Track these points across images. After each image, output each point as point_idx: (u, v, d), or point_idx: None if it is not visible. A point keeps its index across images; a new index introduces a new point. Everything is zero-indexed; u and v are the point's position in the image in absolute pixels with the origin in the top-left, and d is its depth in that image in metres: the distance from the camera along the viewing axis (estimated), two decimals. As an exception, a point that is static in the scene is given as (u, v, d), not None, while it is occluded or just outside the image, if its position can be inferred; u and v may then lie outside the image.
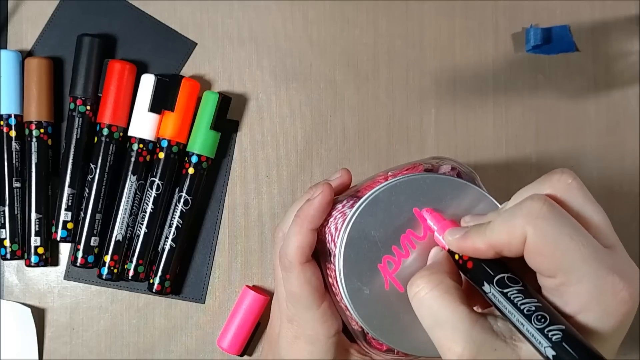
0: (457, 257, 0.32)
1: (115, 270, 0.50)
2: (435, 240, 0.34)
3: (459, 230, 0.32)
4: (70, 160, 0.50)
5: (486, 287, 0.30)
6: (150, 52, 0.53)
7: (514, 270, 0.30)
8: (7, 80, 0.50)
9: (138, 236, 0.50)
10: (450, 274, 0.31)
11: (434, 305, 0.30)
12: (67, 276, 0.52)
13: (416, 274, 0.31)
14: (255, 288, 0.52)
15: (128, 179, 0.50)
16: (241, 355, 0.52)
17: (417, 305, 0.31)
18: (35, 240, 0.50)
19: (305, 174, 0.53)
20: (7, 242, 0.50)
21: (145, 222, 0.50)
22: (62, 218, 0.50)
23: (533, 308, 0.27)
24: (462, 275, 0.33)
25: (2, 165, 0.50)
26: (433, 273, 0.31)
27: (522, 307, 0.28)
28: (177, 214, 0.50)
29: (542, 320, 0.27)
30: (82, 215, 0.50)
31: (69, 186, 0.50)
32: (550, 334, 0.26)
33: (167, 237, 0.50)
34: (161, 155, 0.50)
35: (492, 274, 0.30)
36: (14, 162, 0.50)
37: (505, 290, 0.29)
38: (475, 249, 0.30)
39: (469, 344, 0.28)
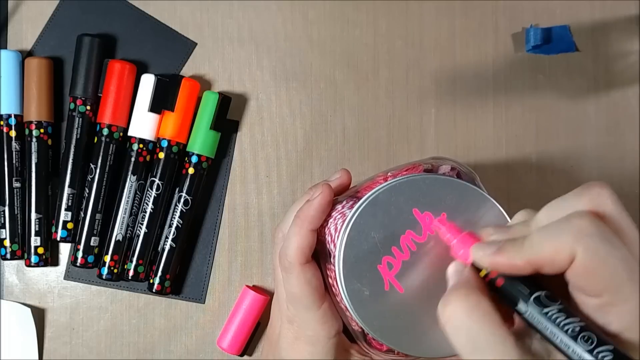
0: (483, 273, 0.30)
1: (115, 270, 0.50)
2: (452, 254, 0.32)
3: (489, 246, 0.30)
4: (70, 160, 0.50)
5: (522, 307, 0.28)
6: (150, 52, 0.53)
7: (549, 287, 0.29)
8: (7, 80, 0.50)
9: (138, 236, 0.50)
10: (485, 293, 0.29)
11: (473, 329, 0.28)
12: (67, 276, 0.52)
13: (447, 294, 0.29)
14: (255, 288, 0.52)
15: (128, 179, 0.50)
16: (241, 355, 0.52)
17: (454, 330, 0.28)
18: (35, 240, 0.50)
19: (305, 174, 0.53)
20: (7, 242, 0.50)
21: (145, 222, 0.50)
22: (62, 218, 0.50)
23: (578, 328, 0.27)
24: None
25: (2, 165, 0.50)
26: (469, 293, 0.28)
27: (565, 327, 0.27)
28: (177, 214, 0.50)
29: (590, 341, 0.26)
30: (82, 215, 0.50)
31: (69, 186, 0.50)
32: (600, 355, 0.26)
33: (167, 237, 0.50)
34: (161, 155, 0.50)
35: (529, 291, 0.28)
36: (14, 162, 0.50)
37: (545, 310, 0.28)
38: (512, 265, 0.29)
39: None
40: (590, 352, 0.26)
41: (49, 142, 0.50)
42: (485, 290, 0.29)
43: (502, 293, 0.29)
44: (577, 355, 0.26)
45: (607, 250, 0.27)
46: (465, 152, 0.54)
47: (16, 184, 0.50)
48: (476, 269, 0.31)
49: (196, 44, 0.53)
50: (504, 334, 0.27)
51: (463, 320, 0.28)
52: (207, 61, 0.53)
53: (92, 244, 0.50)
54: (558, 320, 0.27)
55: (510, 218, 0.35)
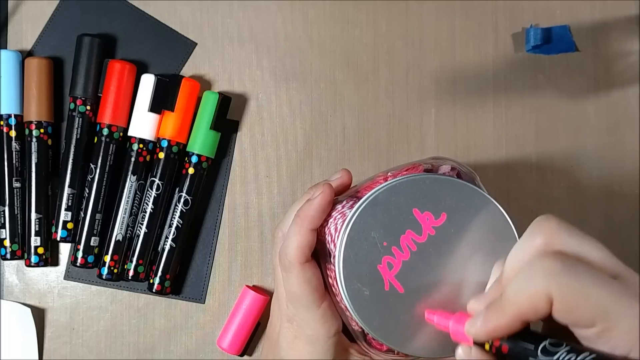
0: (487, 347, 0.31)
1: (115, 270, 0.50)
2: (453, 338, 0.33)
3: (477, 319, 0.30)
4: (70, 160, 0.50)
5: None
6: (150, 52, 0.53)
7: (549, 334, 0.29)
8: (7, 80, 0.50)
9: (138, 236, 0.50)
10: None
11: None
12: (67, 276, 0.52)
13: None
14: (255, 288, 0.52)
15: (128, 179, 0.50)
16: (241, 355, 0.52)
17: None
18: (35, 240, 0.50)
19: (305, 174, 0.53)
20: (7, 242, 0.50)
21: (145, 222, 0.50)
22: (62, 218, 0.50)
23: None
24: None
25: (2, 165, 0.50)
26: None
27: None
28: (177, 214, 0.50)
29: None
30: (82, 215, 0.50)
31: (69, 186, 0.50)
32: None
33: (167, 237, 0.50)
34: (161, 155, 0.50)
35: (533, 347, 0.28)
36: (14, 162, 0.50)
37: (555, 358, 0.28)
38: (503, 328, 0.29)
39: None
40: None
41: (49, 142, 0.50)
42: None
43: (512, 357, 0.30)
44: None
45: (581, 281, 0.27)
46: (465, 152, 0.54)
47: (16, 184, 0.50)
48: (480, 344, 0.31)
49: (196, 44, 0.53)
50: None
51: None
52: (207, 61, 0.53)
53: (92, 244, 0.50)
54: None
55: (510, 218, 0.35)
